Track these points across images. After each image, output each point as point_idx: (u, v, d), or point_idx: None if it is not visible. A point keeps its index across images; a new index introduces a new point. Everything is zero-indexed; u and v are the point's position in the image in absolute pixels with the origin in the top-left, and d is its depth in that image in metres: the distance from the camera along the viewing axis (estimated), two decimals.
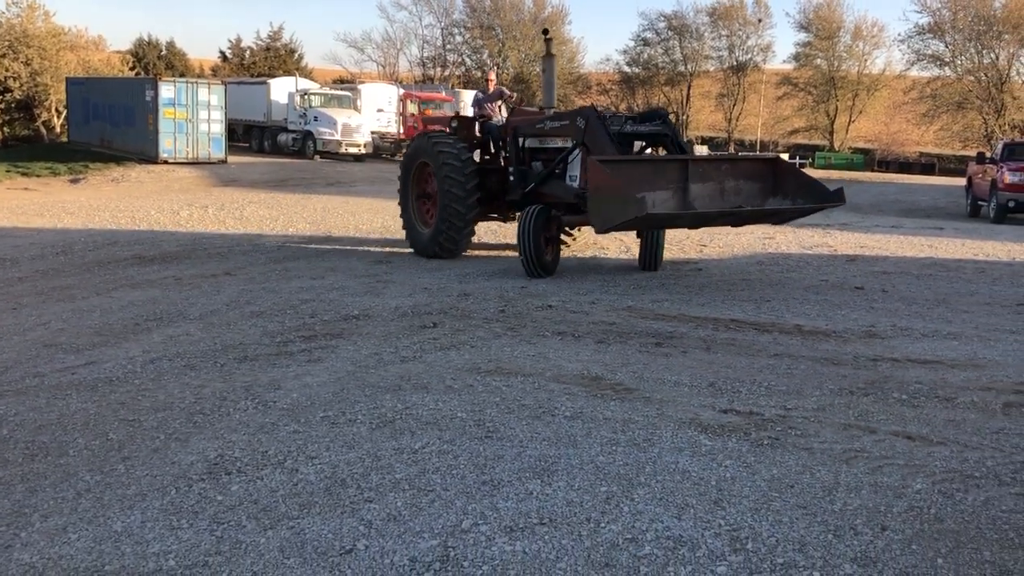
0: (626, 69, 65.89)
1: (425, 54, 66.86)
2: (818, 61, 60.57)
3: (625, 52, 66.29)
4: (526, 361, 6.31)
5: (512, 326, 7.43)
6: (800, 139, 63.57)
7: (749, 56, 63.28)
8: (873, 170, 51.81)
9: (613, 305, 8.36)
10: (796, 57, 61.87)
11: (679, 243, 12.97)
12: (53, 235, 13.47)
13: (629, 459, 4.39)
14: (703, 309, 8.21)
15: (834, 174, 36.64)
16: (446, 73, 64.03)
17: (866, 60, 59.94)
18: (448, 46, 66.20)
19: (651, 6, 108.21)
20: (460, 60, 66.35)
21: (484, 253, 12.09)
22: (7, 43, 43.91)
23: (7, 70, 43.60)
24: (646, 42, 64.77)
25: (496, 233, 13.86)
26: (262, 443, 4.62)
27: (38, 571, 3.31)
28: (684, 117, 62.87)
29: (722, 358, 6.46)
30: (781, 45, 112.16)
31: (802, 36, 61.47)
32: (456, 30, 66.23)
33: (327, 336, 7.07)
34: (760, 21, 62.41)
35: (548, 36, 11.74)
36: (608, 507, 3.83)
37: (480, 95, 12.20)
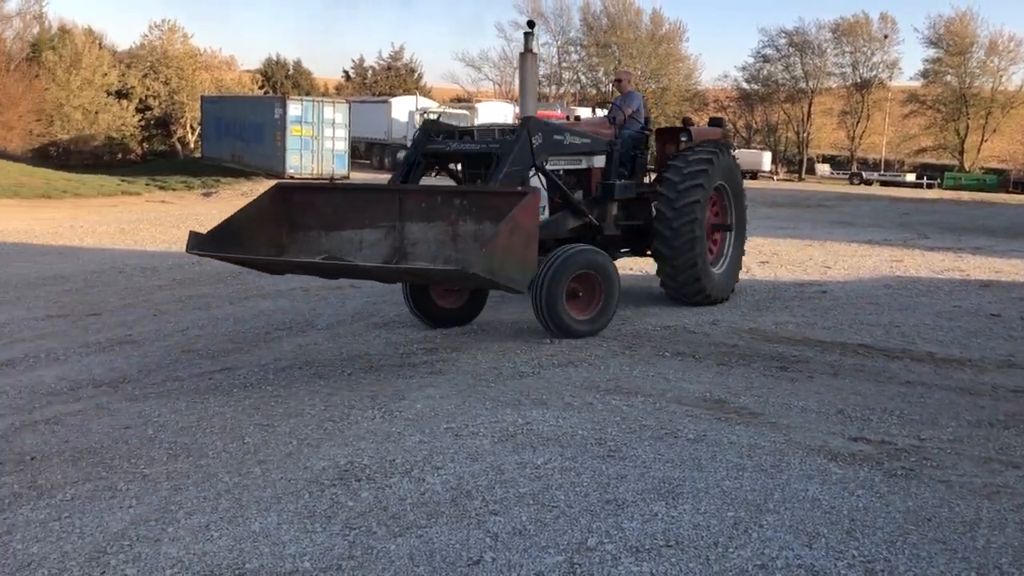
0: (744, 86, 64.85)
1: (541, 72, 67.39)
2: (948, 78, 58.26)
3: (744, 68, 65.33)
4: (646, 381, 6.27)
5: (630, 345, 7.39)
6: (928, 158, 61.15)
7: (874, 73, 61.44)
8: (1008, 191, 49.33)
9: (734, 327, 8.22)
10: (924, 74, 59.72)
11: (802, 264, 12.65)
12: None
13: (756, 485, 4.30)
14: (829, 333, 7.98)
15: (964, 195, 35.08)
16: (561, 91, 64.35)
17: (1001, 76, 57.30)
18: (564, 64, 66.59)
19: (772, 22, 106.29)
20: (575, 78, 66.61)
21: None
22: (149, 64, 46.56)
23: (148, 89, 46.26)
24: (766, 58, 63.66)
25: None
26: (389, 451, 4.74)
27: (184, 566, 3.48)
28: (805, 135, 61.36)
29: (850, 384, 6.26)
30: (908, 61, 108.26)
31: (931, 52, 59.33)
32: (572, 48, 66.60)
33: (447, 349, 7.19)
34: (886, 37, 60.52)
35: (530, 30, 9.33)
36: (736, 532, 3.77)
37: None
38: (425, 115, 34.49)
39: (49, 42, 44.16)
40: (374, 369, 6.54)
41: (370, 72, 61.05)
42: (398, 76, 59.16)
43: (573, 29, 66.20)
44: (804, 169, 61.05)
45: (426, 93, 52.54)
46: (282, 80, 55.87)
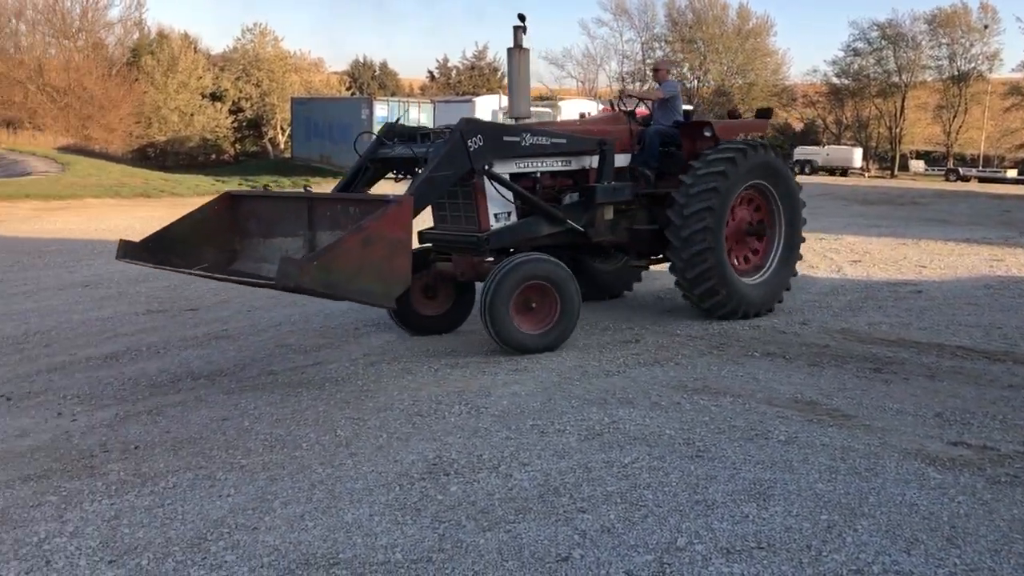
0: (834, 80, 63.19)
1: (624, 69, 67.03)
2: None
3: (834, 63, 63.61)
4: (734, 381, 6.18)
5: (718, 344, 7.29)
6: None
7: (972, 65, 59.17)
8: None
9: (826, 327, 8.03)
10: None
11: (895, 264, 12.27)
12: None
13: (851, 488, 4.20)
14: (925, 334, 7.73)
15: None
16: (645, 87, 63.83)
17: None
18: (648, 60, 65.99)
19: (863, 15, 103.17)
20: None
21: None
22: (241, 67, 47.95)
23: (240, 91, 47.66)
24: (857, 52, 61.90)
25: None
26: (477, 447, 4.79)
27: (281, 554, 3.58)
28: (898, 130, 59.46)
29: (948, 387, 6.06)
30: (1010, 52, 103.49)
31: None
32: (657, 44, 65.97)
33: None
34: (986, 27, 58.17)
35: (521, 24, 8.80)
36: (830, 536, 3.69)
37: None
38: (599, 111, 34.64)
39: (148, 47, 45.91)
40: (460, 366, 6.61)
41: (454, 72, 61.62)
42: (481, 75, 59.56)
43: (658, 25, 65.61)
44: (897, 166, 59.20)
45: None
46: (368, 81, 56.86)
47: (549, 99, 47.79)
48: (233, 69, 48.21)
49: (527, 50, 8.59)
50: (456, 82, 59.63)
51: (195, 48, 49.06)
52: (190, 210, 7.07)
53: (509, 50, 8.53)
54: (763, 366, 6.61)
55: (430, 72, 64.27)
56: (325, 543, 3.67)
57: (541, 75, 70.80)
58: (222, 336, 7.68)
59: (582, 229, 7.67)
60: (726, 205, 8.02)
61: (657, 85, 8.97)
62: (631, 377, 6.28)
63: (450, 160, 6.67)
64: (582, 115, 9.93)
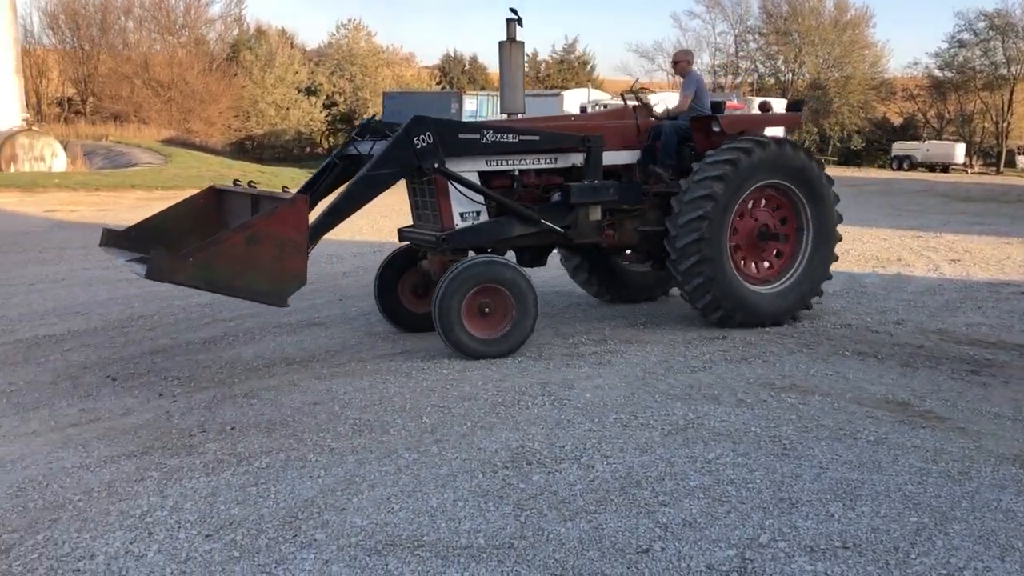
0: (937, 73, 60.84)
1: (716, 62, 65.88)
2: None
3: (936, 55, 61.16)
4: (823, 380, 6.07)
5: (807, 343, 7.16)
6: None
7: None
8: None
9: (921, 327, 7.80)
10: None
11: (998, 263, 11.81)
12: (372, 235, 14.83)
13: (942, 491, 4.09)
14: None
15: None
16: (738, 81, 62.72)
17: None
18: (741, 53, 64.79)
19: (969, 4, 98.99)
20: (753, 67, 64.68)
21: None
22: (335, 62, 48.98)
23: (334, 86, 48.68)
24: (962, 43, 59.40)
25: None
26: (559, 438, 4.83)
27: (368, 535, 3.70)
28: (1004, 125, 56.98)
29: None
30: None
31: None
32: (750, 36, 64.63)
33: (616, 341, 7.21)
34: None
35: (515, 17, 8.42)
36: (919, 539, 3.61)
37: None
38: (597, 107, 34.54)
39: (247, 43, 47.27)
40: (543, 358, 6.66)
41: (543, 65, 61.61)
42: (571, 69, 59.39)
43: (751, 17, 64.24)
44: (1003, 162, 56.73)
45: (598, 85, 52.50)
46: (458, 76, 57.31)
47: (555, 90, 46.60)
48: (327, 64, 49.28)
49: (520, 43, 8.08)
50: (545, 76, 59.61)
51: (291, 43, 50.34)
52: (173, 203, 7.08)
53: (501, 43, 7.94)
54: (853, 365, 6.47)
55: None
56: (410, 526, 3.77)
57: (630, 68, 70.08)
58: (315, 323, 7.90)
59: (561, 230, 7.25)
60: (728, 211, 7.36)
61: (681, 78, 8.44)
62: (716, 373, 6.22)
63: (392, 158, 6.51)
64: (583, 108, 9.36)
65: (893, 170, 48.98)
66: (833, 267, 8.18)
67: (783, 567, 3.37)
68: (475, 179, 6.96)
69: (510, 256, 7.38)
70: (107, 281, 9.91)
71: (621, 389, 5.81)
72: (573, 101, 36.84)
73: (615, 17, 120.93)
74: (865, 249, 12.91)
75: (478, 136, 6.91)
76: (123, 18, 46.10)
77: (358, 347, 7.07)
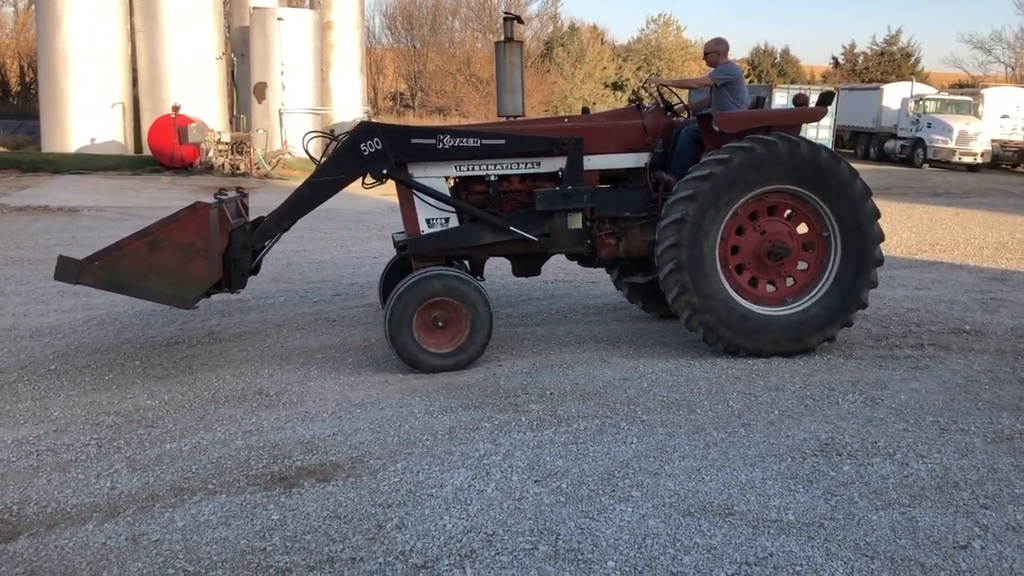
0: None
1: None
2: None
3: None
4: None
5: None
6: None
7: None
8: None
9: None
10: None
11: None
12: None
13: None
14: None
15: None
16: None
17: None
18: None
19: None
20: None
21: None
22: (643, 57, 49.60)
23: (640, 81, 49.17)
24: None
25: None
26: (871, 434, 4.81)
27: (680, 497, 3.97)
28: None
29: None
30: None
31: None
32: None
33: (935, 346, 6.90)
34: None
35: (513, 16, 7.70)
36: None
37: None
38: (920, 102, 32.21)
39: (560, 40, 49.18)
40: (854, 357, 6.54)
41: (861, 58, 58.19)
42: (892, 61, 55.57)
43: None
44: None
45: (923, 79, 48.75)
46: (768, 69, 55.74)
47: (971, 87, 43.38)
48: (635, 59, 50.01)
49: (519, 43, 7.57)
50: (863, 68, 56.27)
51: (602, 39, 51.65)
52: None
53: (497, 44, 7.58)
54: None
55: (834, 58, 61.30)
56: (720, 495, 3.99)
57: (961, 60, 64.11)
58: (621, 307, 8.29)
59: (534, 239, 6.71)
60: (716, 217, 6.44)
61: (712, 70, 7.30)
62: None
63: (337, 165, 6.38)
64: (584, 109, 8.18)
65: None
66: None
67: None
68: (442, 185, 6.67)
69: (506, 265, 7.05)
70: None
71: (939, 394, 5.61)
72: (894, 95, 34.59)
73: (946, 4, 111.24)
74: None
75: (433, 141, 6.54)
76: (451, 18, 49.84)
77: (663, 333, 7.34)
